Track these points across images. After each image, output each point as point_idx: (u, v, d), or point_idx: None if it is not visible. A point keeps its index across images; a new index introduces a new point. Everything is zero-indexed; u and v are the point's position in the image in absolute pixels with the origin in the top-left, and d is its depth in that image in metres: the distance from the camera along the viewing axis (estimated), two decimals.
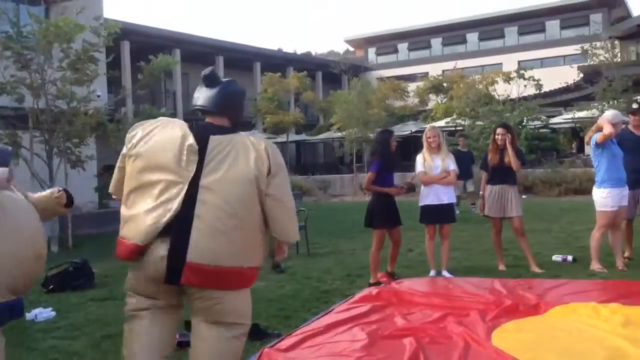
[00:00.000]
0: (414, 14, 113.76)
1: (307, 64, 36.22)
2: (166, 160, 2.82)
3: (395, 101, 32.80)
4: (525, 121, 21.87)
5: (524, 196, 14.78)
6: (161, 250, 2.75)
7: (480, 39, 40.80)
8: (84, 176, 12.00)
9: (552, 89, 25.79)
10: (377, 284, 6.28)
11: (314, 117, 35.67)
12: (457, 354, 3.88)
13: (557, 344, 4.05)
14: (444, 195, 6.64)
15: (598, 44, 21.01)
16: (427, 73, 37.05)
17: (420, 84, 34.20)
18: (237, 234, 2.84)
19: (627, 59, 26.82)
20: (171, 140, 2.88)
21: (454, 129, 24.16)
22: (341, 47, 59.80)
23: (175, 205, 2.76)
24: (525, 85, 24.75)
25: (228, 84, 3.21)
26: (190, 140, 2.86)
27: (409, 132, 27.62)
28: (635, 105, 7.52)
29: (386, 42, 43.86)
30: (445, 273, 6.59)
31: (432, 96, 32.89)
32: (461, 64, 34.87)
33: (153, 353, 2.88)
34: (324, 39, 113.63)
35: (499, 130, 6.92)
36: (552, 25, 38.52)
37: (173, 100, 28.38)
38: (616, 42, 24.30)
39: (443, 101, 30.60)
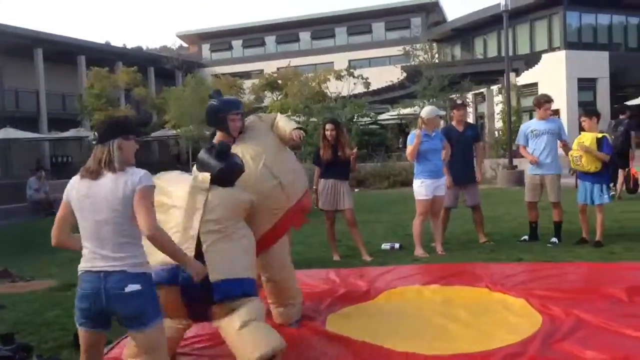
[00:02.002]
0: (247, 11, 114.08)
1: (137, 59, 34.79)
2: None
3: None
4: (355, 117, 22.90)
5: (356, 190, 15.48)
6: None
7: (313, 38, 42.06)
8: None
9: (380, 87, 27.29)
10: None
11: (147, 114, 34.38)
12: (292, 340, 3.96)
13: (386, 326, 4.30)
14: None
15: (418, 45, 22.65)
16: (262, 70, 37.37)
17: (256, 81, 34.41)
18: None
19: (444, 60, 29.26)
20: None
21: None
22: (175, 43, 58.23)
23: None
24: (355, 84, 25.95)
25: None
26: None
27: None
28: (459, 101, 8.12)
29: (220, 39, 43.56)
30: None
31: (267, 93, 33.23)
32: (295, 62, 35.63)
33: None
34: (156, 33, 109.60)
35: (328, 126, 7.08)
36: (378, 27, 40.81)
37: None
38: (434, 44, 26.38)
39: (278, 98, 31.05)
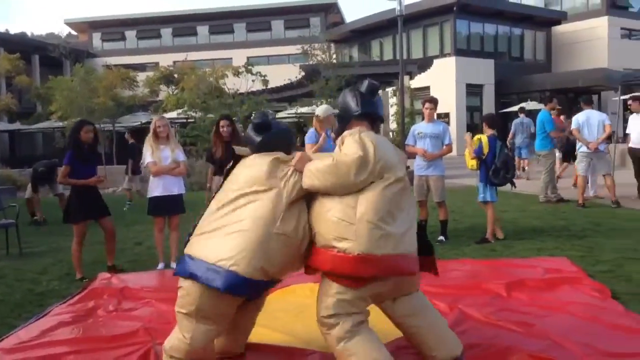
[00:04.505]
0: (142, 1, 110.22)
1: (21, 45, 32.66)
2: None
3: (124, 90, 31.42)
4: (253, 115, 22.73)
5: None
6: None
7: (211, 33, 41.37)
8: None
9: (278, 85, 27.28)
10: (83, 279, 6.01)
11: (31, 104, 32.33)
12: None
13: (277, 323, 4.28)
14: (173, 186, 6.53)
15: (316, 45, 22.86)
16: (157, 63, 36.26)
17: (151, 74, 33.31)
18: None
19: (341, 60, 29.73)
20: None
21: (185, 120, 24.09)
22: (62, 30, 55.23)
23: None
24: (253, 81, 25.76)
25: None
26: None
27: (139, 123, 26.74)
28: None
29: (113, 28, 41.80)
30: (173, 265, 6.50)
31: (162, 87, 32.27)
32: (192, 56, 34.87)
33: None
34: (43, 19, 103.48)
35: (222, 122, 6.96)
36: (277, 25, 40.83)
37: None
38: (332, 45, 26.76)
39: (174, 92, 30.25)
